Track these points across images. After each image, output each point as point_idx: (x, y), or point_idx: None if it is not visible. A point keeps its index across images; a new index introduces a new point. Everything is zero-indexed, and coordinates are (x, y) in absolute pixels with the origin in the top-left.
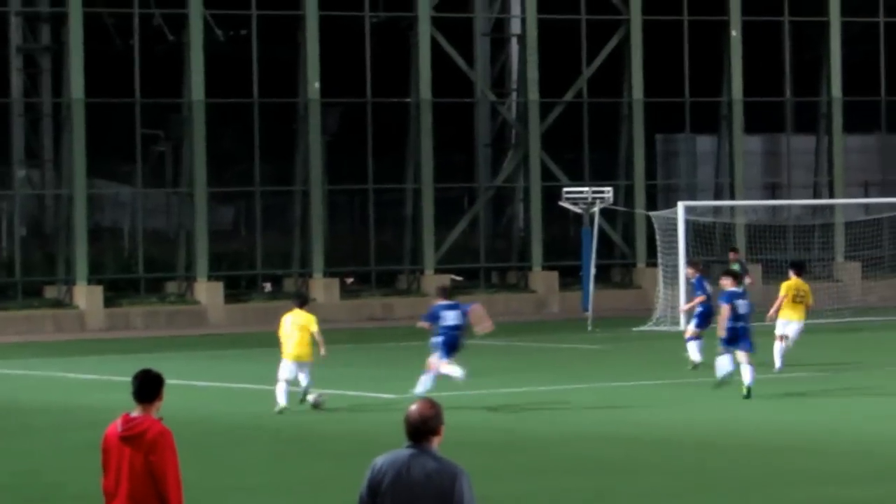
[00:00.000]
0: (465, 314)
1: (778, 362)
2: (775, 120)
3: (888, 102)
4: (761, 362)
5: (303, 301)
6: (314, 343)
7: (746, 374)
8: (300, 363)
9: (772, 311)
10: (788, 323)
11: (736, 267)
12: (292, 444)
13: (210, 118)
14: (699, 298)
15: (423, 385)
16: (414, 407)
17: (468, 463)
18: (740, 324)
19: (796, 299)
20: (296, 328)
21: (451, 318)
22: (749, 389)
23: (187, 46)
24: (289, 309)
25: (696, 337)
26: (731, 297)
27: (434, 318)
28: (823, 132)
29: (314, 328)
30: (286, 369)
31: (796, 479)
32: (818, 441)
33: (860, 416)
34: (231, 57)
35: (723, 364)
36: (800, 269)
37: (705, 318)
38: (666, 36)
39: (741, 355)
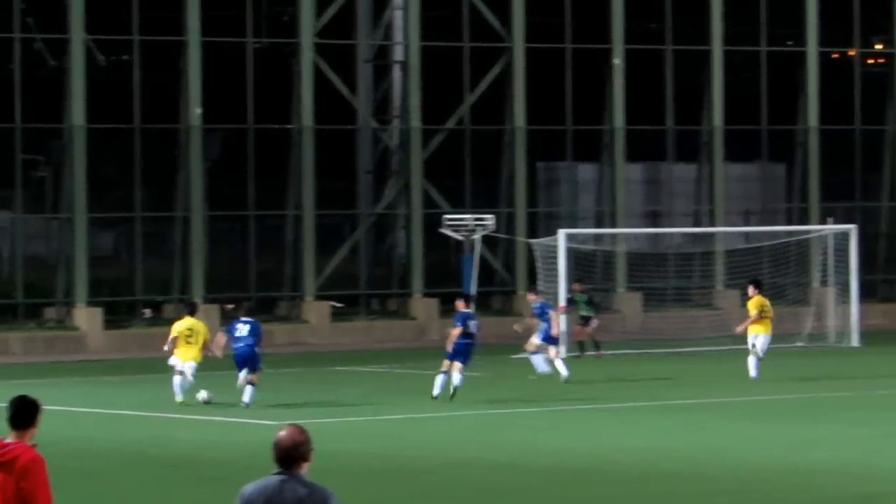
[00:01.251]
0: None
1: (753, 372)
2: (657, 148)
3: (769, 132)
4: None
5: (193, 309)
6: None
7: (456, 379)
8: (189, 363)
9: (741, 326)
10: (757, 336)
11: (584, 299)
12: (172, 471)
13: (91, 143)
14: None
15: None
16: (284, 433)
17: (347, 490)
18: (468, 340)
19: (761, 314)
20: (191, 333)
21: None
22: (455, 390)
23: (68, 71)
24: (180, 317)
25: (537, 351)
26: (463, 318)
27: None
28: (705, 161)
29: (206, 336)
30: (177, 361)
31: None
32: (697, 466)
33: (739, 441)
34: (112, 82)
35: (441, 379)
36: (759, 286)
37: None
38: (548, 64)
39: (456, 366)
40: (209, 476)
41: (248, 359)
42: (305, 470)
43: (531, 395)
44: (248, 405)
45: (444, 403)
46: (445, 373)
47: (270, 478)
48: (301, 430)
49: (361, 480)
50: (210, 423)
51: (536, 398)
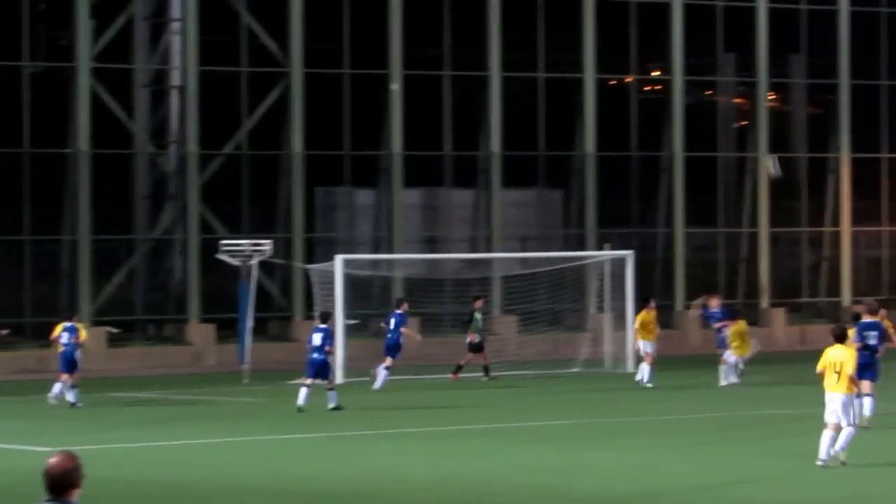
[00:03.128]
0: None
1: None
2: (434, 174)
3: (546, 157)
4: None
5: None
6: None
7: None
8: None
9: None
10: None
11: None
12: None
13: None
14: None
15: None
16: (54, 460)
17: None
18: (314, 355)
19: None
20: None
21: None
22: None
23: None
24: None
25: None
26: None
27: None
28: (482, 186)
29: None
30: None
31: None
32: (472, 493)
33: (511, 467)
34: None
35: (303, 395)
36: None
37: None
38: (327, 89)
39: (318, 381)
40: None
41: (70, 362)
42: (76, 497)
43: (309, 422)
44: (75, 404)
45: (222, 429)
46: (308, 386)
47: None
48: (72, 457)
49: None
50: None
51: (311, 424)
